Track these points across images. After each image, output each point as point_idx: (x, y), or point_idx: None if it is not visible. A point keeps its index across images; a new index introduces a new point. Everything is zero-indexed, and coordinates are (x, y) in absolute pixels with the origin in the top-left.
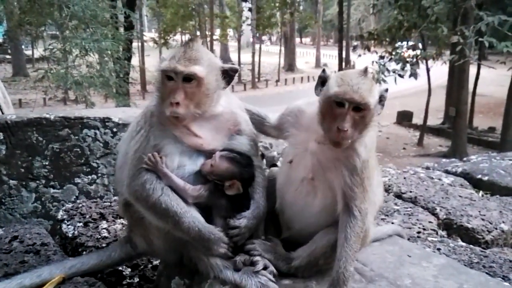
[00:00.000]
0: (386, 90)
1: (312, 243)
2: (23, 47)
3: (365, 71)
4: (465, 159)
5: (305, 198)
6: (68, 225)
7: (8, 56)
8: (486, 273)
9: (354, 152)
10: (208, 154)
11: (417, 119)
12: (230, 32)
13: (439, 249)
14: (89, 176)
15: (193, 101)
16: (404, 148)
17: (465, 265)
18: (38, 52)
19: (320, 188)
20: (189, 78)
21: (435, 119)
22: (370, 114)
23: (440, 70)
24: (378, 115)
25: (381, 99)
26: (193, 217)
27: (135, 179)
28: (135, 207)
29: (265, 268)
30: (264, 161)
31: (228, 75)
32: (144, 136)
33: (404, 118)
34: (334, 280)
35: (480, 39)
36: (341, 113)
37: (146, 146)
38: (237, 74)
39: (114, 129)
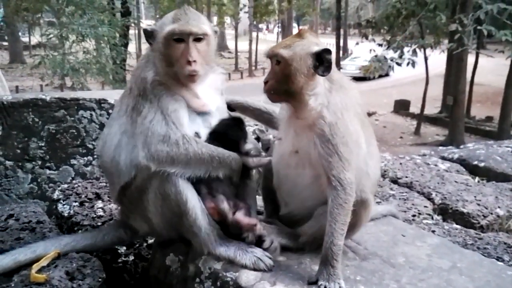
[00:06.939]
0: (326, 50)
1: (316, 221)
2: (20, 34)
3: (300, 34)
4: (462, 146)
5: (295, 172)
6: (63, 204)
7: (5, 43)
8: (481, 254)
9: (319, 116)
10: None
11: (415, 108)
12: (227, 19)
13: (433, 231)
14: (85, 158)
15: (205, 58)
16: (401, 137)
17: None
18: (36, 39)
19: (305, 160)
20: (200, 37)
21: (433, 108)
22: (287, 68)
23: (438, 59)
24: (321, 76)
25: (322, 60)
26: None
27: (165, 141)
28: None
29: (270, 243)
30: (260, 144)
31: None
32: (157, 106)
33: (401, 107)
34: (323, 256)
35: (478, 27)
36: None
37: (167, 112)
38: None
39: (110, 111)
